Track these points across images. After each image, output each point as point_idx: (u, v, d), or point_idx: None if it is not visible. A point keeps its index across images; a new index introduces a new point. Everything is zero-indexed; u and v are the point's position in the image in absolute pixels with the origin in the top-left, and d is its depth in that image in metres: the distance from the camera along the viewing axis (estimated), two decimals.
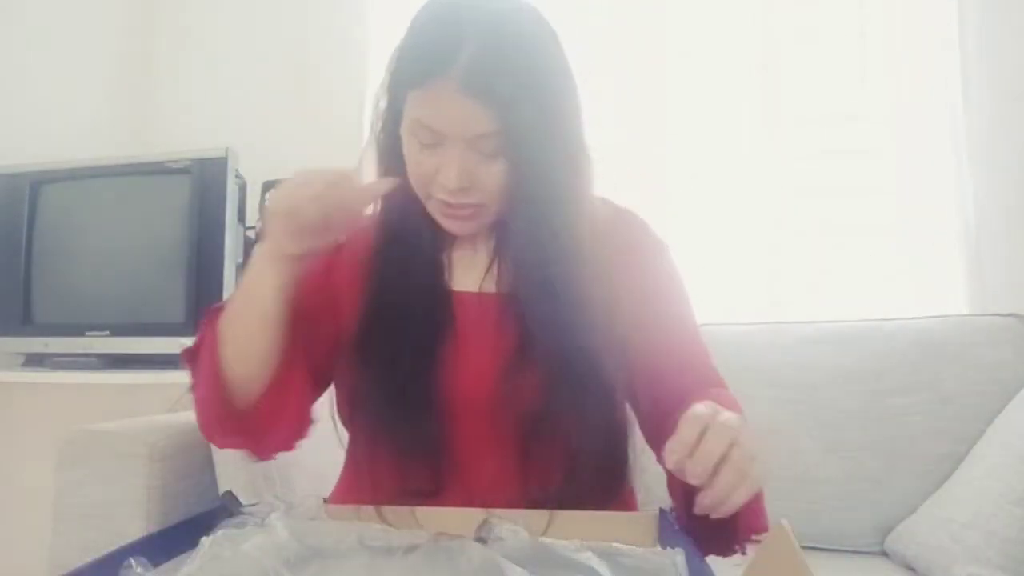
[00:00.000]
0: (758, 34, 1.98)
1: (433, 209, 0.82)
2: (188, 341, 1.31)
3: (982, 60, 1.82)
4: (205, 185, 1.79)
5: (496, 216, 0.82)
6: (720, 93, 1.99)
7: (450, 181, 0.76)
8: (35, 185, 1.90)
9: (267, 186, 2.02)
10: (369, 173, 0.90)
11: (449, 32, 0.74)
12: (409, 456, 0.79)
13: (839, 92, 1.93)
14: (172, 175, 1.81)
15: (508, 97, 0.73)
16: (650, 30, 2.03)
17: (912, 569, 1.24)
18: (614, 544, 0.63)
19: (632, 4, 2.05)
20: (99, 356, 1.82)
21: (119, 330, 1.82)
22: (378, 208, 0.87)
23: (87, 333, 1.83)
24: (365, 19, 2.19)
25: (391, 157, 0.83)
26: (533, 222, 0.79)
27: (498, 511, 0.72)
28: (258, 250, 0.78)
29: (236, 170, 1.83)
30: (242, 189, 1.94)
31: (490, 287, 0.85)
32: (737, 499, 0.59)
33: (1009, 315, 1.42)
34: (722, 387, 0.89)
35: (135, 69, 2.37)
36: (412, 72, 0.76)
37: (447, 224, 0.82)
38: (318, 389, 0.90)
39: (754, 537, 0.69)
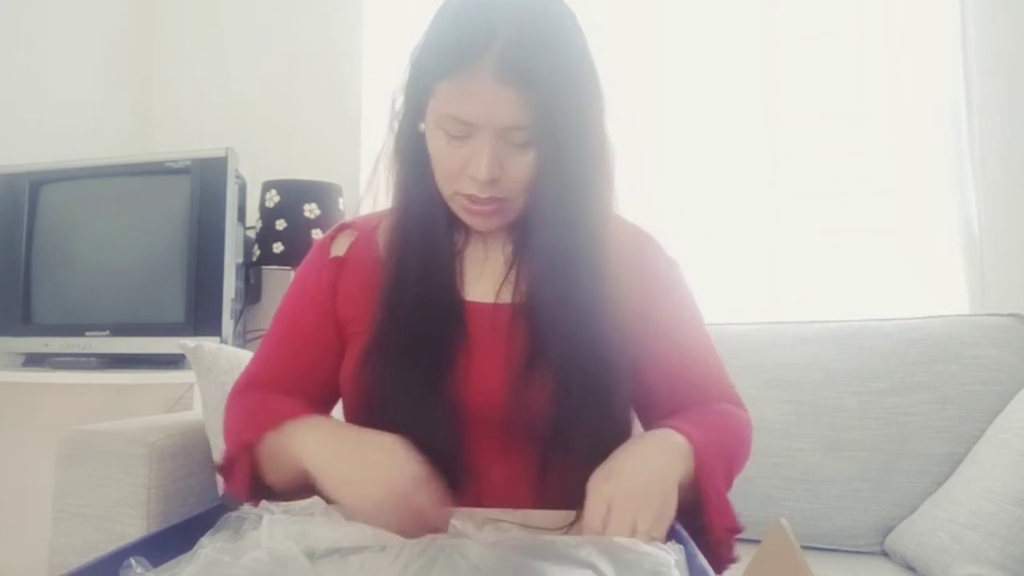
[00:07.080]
0: (758, 34, 1.98)
1: (457, 206, 0.80)
2: (188, 341, 1.32)
3: (983, 60, 1.81)
4: (205, 185, 1.79)
5: (517, 214, 0.81)
6: (720, 93, 1.99)
7: (480, 172, 0.74)
8: (35, 185, 1.90)
9: (267, 186, 2.02)
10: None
11: (482, 21, 0.73)
12: None
13: (839, 92, 1.93)
14: (172, 175, 1.81)
15: (541, 86, 0.72)
16: (650, 30, 2.03)
17: (912, 569, 1.24)
18: (614, 539, 0.63)
19: (632, 4, 2.05)
20: (99, 356, 1.82)
21: (119, 330, 1.82)
22: (393, 214, 0.86)
23: (87, 333, 1.83)
24: (363, 20, 2.19)
25: (412, 156, 0.82)
26: (556, 218, 0.78)
27: (497, 512, 0.72)
28: (312, 454, 0.73)
29: (236, 170, 1.83)
30: (242, 189, 1.94)
31: (506, 297, 0.84)
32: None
33: (1009, 315, 1.41)
34: (732, 402, 0.89)
35: (135, 69, 2.37)
36: (443, 62, 0.74)
37: (470, 220, 0.81)
38: (333, 405, 0.91)
39: (735, 538, 0.72)
